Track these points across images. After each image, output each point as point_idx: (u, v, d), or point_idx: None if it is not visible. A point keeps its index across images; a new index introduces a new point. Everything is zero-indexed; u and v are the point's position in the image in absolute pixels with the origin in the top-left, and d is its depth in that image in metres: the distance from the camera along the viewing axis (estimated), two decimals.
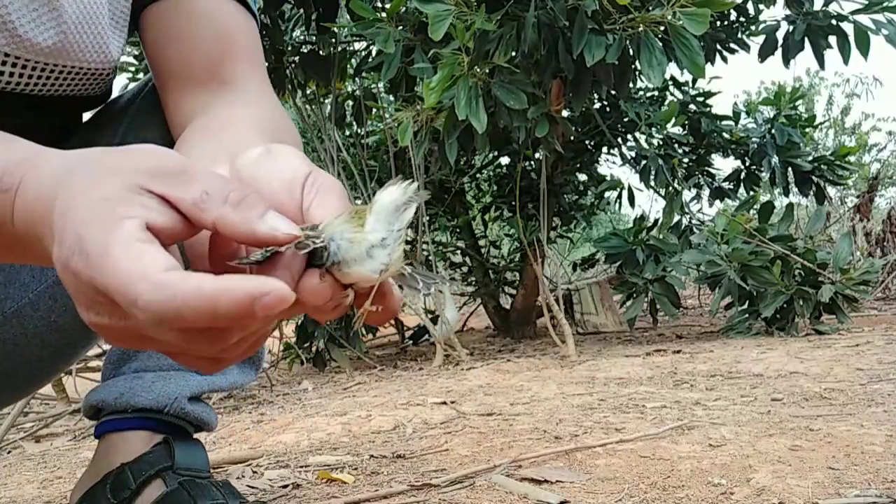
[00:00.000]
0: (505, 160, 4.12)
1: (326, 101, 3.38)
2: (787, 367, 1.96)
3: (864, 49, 2.59)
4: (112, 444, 0.89)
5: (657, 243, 3.17)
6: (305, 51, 3.17)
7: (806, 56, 2.79)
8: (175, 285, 0.36)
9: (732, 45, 3.06)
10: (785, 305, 2.85)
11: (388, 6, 2.55)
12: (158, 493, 0.84)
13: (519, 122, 2.35)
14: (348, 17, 2.74)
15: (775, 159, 3.46)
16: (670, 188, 3.26)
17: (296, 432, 1.54)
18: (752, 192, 3.65)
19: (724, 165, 7.56)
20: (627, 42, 2.16)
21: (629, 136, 3.58)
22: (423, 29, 2.26)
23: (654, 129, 3.39)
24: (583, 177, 4.21)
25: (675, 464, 1.06)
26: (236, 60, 0.72)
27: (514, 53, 2.30)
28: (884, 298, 4.50)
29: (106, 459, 0.88)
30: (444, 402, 1.77)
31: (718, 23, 2.98)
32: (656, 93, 3.66)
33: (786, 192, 3.52)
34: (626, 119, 3.45)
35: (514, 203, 3.38)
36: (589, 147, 3.81)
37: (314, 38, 3.19)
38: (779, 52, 2.84)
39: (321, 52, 3.09)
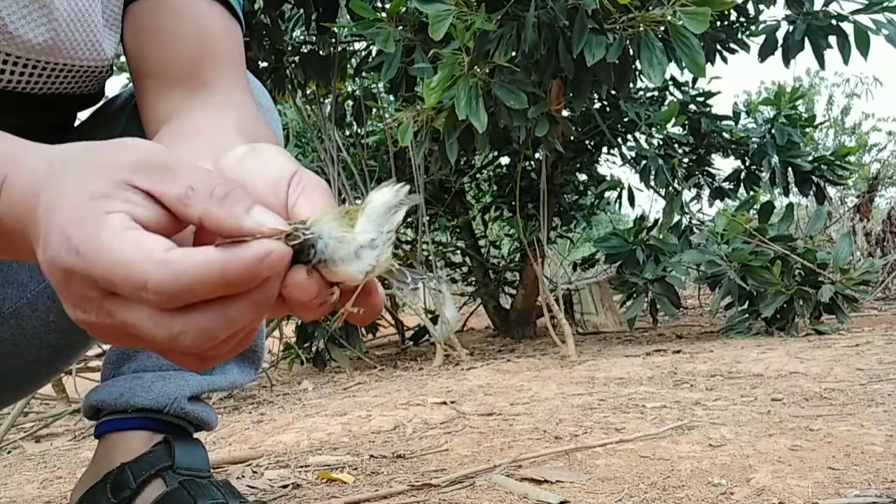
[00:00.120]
0: (505, 160, 4.12)
1: (326, 101, 3.38)
2: (787, 367, 1.96)
3: (864, 49, 2.59)
4: (112, 443, 0.89)
5: (657, 243, 3.17)
6: (305, 51, 3.18)
7: (806, 56, 2.79)
8: (183, 261, 0.36)
9: (732, 45, 3.06)
10: (785, 305, 2.85)
11: (388, 6, 2.55)
12: (158, 493, 0.84)
13: (519, 122, 2.35)
14: (348, 17, 2.74)
15: (775, 159, 3.46)
16: (670, 188, 3.26)
17: (296, 432, 1.54)
18: (752, 192, 3.65)
19: (724, 165, 7.55)
20: (628, 42, 2.16)
21: (629, 136, 3.58)
22: (423, 29, 2.26)
23: (654, 129, 3.39)
24: (583, 177, 4.21)
25: (675, 464, 1.06)
26: (217, 63, 0.71)
27: (514, 53, 2.30)
28: (884, 298, 4.50)
29: (106, 459, 0.88)
30: (444, 402, 1.77)
31: (718, 23, 2.98)
32: (656, 93, 3.66)
33: (786, 192, 3.52)
34: (626, 119, 3.45)
35: (514, 203, 3.38)
36: (589, 147, 3.81)
37: (314, 38, 3.19)
38: (779, 52, 2.84)
39: (321, 52, 3.09)
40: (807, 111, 4.65)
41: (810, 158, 3.48)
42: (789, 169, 3.47)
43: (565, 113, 2.98)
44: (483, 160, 4.14)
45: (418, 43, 2.43)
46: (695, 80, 3.50)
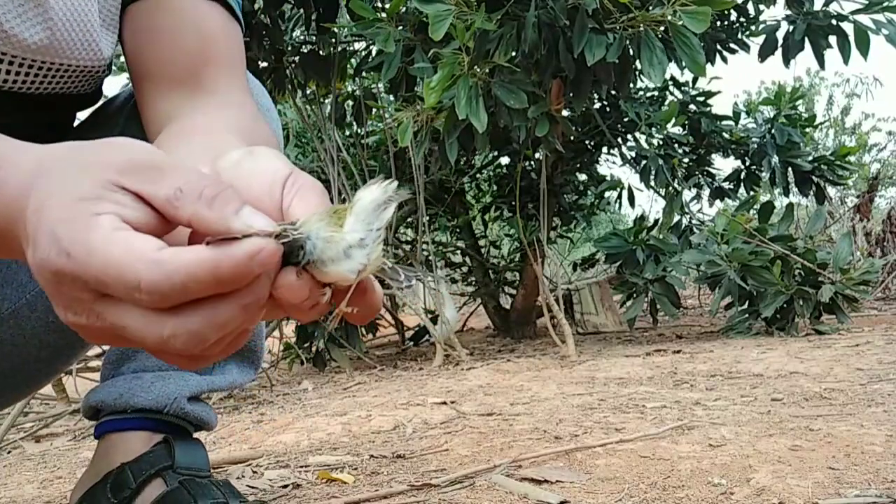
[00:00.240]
0: (505, 160, 4.12)
1: (326, 101, 3.38)
2: (787, 367, 1.96)
3: (864, 49, 2.59)
4: (112, 444, 0.89)
5: (657, 243, 3.17)
6: (305, 51, 3.18)
7: (806, 56, 2.79)
8: (174, 260, 0.36)
9: (732, 45, 3.06)
10: (785, 305, 2.85)
11: (388, 6, 2.55)
12: (159, 493, 0.84)
13: (519, 122, 2.35)
14: (348, 17, 2.74)
15: (775, 159, 3.46)
16: (670, 188, 3.26)
17: (296, 432, 1.54)
18: (752, 192, 3.65)
19: (724, 165, 7.56)
20: (628, 41, 2.16)
21: (629, 136, 3.58)
22: (423, 29, 2.26)
23: (654, 129, 3.39)
24: (583, 177, 4.21)
25: (675, 464, 1.06)
26: (217, 64, 0.71)
27: (514, 53, 2.30)
28: (884, 298, 4.50)
29: (106, 459, 0.88)
30: (444, 402, 1.77)
31: (718, 23, 2.98)
32: (656, 93, 3.66)
33: (786, 192, 3.52)
34: (626, 119, 3.45)
35: (514, 203, 3.38)
36: (589, 147, 3.81)
37: (314, 38, 3.19)
38: (779, 52, 2.84)
39: (321, 52, 3.09)
40: (807, 111, 4.65)
41: (810, 158, 3.48)
42: (789, 169, 3.47)
43: (565, 113, 2.99)
44: (483, 160, 4.14)
45: (418, 43, 2.43)
46: (695, 80, 3.51)
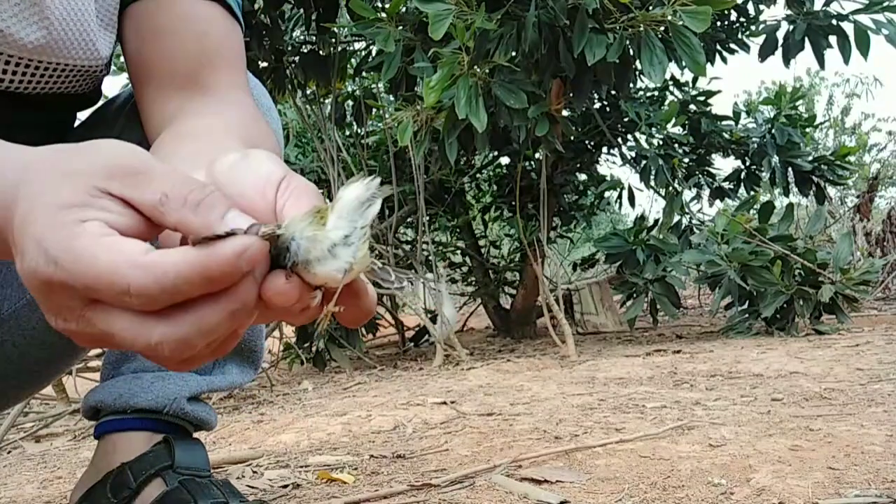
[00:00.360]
0: (505, 160, 4.12)
1: (326, 101, 3.38)
2: (787, 367, 1.96)
3: (864, 49, 2.59)
4: (112, 444, 0.89)
5: (657, 243, 3.17)
6: (305, 51, 3.18)
7: (806, 56, 2.79)
8: (162, 262, 0.36)
9: (732, 45, 3.06)
10: (785, 305, 2.85)
11: (388, 6, 2.55)
12: (159, 493, 0.84)
13: (519, 122, 2.35)
14: (348, 17, 2.74)
15: (775, 159, 3.46)
16: (670, 188, 3.26)
17: (296, 432, 1.54)
18: (752, 192, 3.65)
19: (724, 165, 7.54)
20: (628, 41, 2.16)
21: (629, 136, 3.58)
22: (423, 28, 2.26)
23: (654, 129, 3.39)
24: (583, 177, 4.21)
25: (675, 464, 1.06)
26: (217, 65, 0.71)
27: (514, 53, 2.30)
28: (884, 298, 4.50)
29: (106, 459, 0.88)
30: (444, 402, 1.77)
31: (718, 23, 2.99)
32: (656, 93, 3.66)
33: (786, 192, 3.52)
34: (626, 119, 3.45)
35: (514, 203, 3.38)
36: (589, 147, 3.81)
37: (314, 38, 3.19)
38: (779, 52, 2.84)
39: (321, 52, 3.09)
40: (807, 111, 4.65)
41: (810, 158, 3.48)
42: (789, 169, 3.47)
43: (565, 113, 2.99)
44: (483, 160, 4.14)
45: (418, 42, 2.43)
46: (695, 80, 3.51)
